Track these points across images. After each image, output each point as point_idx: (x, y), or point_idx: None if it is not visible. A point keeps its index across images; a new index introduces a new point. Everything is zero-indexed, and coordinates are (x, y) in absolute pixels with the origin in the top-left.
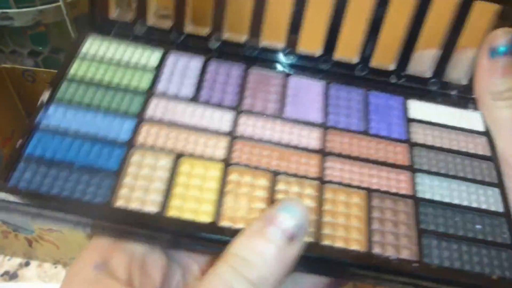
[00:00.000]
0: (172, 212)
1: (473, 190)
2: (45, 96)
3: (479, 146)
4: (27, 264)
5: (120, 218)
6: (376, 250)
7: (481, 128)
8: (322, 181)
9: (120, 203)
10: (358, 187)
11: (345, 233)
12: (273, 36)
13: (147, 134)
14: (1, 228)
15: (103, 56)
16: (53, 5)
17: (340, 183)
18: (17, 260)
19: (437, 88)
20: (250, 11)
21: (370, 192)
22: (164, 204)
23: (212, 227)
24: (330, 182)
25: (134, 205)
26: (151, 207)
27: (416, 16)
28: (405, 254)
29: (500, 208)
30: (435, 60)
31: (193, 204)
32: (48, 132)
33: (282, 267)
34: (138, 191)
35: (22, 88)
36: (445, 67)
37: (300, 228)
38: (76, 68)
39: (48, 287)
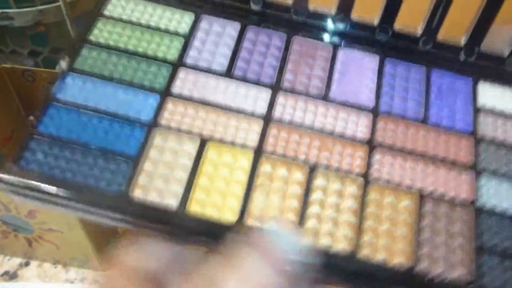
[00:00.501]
0: (194, 207)
1: None
2: (63, 63)
3: None
4: (27, 264)
5: (136, 211)
6: (424, 265)
7: None
8: (367, 178)
9: (137, 193)
10: (410, 188)
11: (389, 242)
12: None
13: (172, 113)
14: (1, 228)
15: (129, 18)
16: (53, 5)
17: (388, 182)
18: (17, 260)
19: None
20: None
21: (422, 195)
22: (186, 197)
23: (237, 226)
24: (378, 180)
25: (152, 197)
26: (171, 200)
27: None
28: (458, 273)
29: None
30: None
31: (217, 198)
32: (63, 107)
33: None
34: (158, 180)
35: (22, 88)
36: None
37: (293, 255)
38: (99, 31)
39: (48, 287)
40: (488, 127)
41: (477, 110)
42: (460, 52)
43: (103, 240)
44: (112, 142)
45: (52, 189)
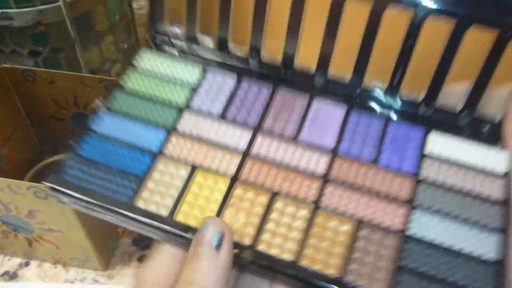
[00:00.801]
0: (180, 217)
1: (473, 235)
2: (99, 102)
3: (495, 189)
4: (27, 264)
5: (137, 218)
6: (349, 277)
7: (503, 169)
8: (317, 205)
9: (140, 204)
10: (352, 216)
11: (326, 257)
12: (306, 57)
13: (174, 146)
14: (1, 228)
15: (152, 68)
16: (53, 5)
17: (335, 209)
18: (17, 260)
19: (467, 123)
20: (284, 35)
21: (361, 222)
22: (174, 209)
23: None
24: (326, 207)
25: (151, 207)
26: (163, 211)
27: (448, 47)
28: (378, 287)
29: (494, 257)
30: (467, 94)
31: (198, 212)
32: (96, 137)
33: (219, 273)
34: (157, 195)
35: (22, 88)
36: (477, 102)
37: (222, 237)
38: (128, 78)
39: (48, 287)
40: (431, 171)
41: (423, 156)
42: (419, 106)
43: (103, 240)
44: (127, 165)
45: (80, 196)
